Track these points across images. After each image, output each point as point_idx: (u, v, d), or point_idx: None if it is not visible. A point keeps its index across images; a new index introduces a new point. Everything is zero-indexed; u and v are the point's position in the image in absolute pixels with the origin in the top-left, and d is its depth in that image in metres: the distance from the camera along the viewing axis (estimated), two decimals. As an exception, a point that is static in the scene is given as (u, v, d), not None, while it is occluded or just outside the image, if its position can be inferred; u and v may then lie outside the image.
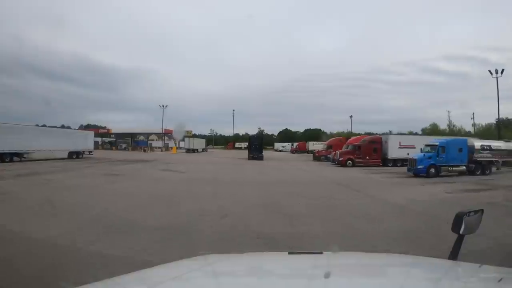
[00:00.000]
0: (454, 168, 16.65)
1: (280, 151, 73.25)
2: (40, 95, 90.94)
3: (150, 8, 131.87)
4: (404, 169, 17.88)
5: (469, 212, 1.39)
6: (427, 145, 17.25)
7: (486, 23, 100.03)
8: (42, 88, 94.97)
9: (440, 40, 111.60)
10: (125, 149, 50.19)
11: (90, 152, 27.74)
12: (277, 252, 2.98)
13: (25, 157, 21.21)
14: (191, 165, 21.38)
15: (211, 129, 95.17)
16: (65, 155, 24.75)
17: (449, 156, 16.38)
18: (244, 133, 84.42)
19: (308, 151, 60.05)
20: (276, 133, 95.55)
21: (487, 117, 61.97)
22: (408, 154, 19.49)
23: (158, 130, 47.68)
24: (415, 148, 20.15)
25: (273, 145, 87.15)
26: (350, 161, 22.86)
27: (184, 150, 46.23)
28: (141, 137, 54.27)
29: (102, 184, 11.08)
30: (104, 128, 51.99)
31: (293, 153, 59.33)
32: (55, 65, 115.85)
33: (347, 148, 24.69)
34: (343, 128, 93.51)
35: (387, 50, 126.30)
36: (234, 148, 78.02)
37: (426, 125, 50.00)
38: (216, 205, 7.48)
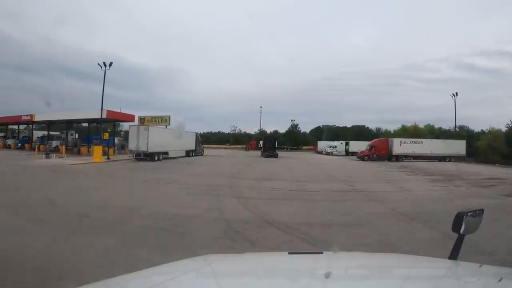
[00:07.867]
0: None
1: (329, 153, 46.15)
2: (70, 94, 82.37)
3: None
4: None
5: (470, 212, 1.32)
6: None
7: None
8: (71, 87, 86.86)
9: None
10: (55, 149, 26.05)
11: None
12: (277, 252, 2.67)
13: None
14: None
15: (232, 126, 74.73)
16: None
17: None
18: (272, 130, 66.78)
19: (391, 157, 32.83)
20: (307, 132, 75.90)
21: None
22: None
23: (98, 115, 22.08)
24: None
25: (309, 144, 62.66)
26: None
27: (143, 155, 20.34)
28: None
29: None
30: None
31: (364, 159, 32.21)
32: (82, 64, 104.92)
33: None
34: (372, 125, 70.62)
35: (420, 47, 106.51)
36: (256, 148, 51.69)
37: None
38: None
